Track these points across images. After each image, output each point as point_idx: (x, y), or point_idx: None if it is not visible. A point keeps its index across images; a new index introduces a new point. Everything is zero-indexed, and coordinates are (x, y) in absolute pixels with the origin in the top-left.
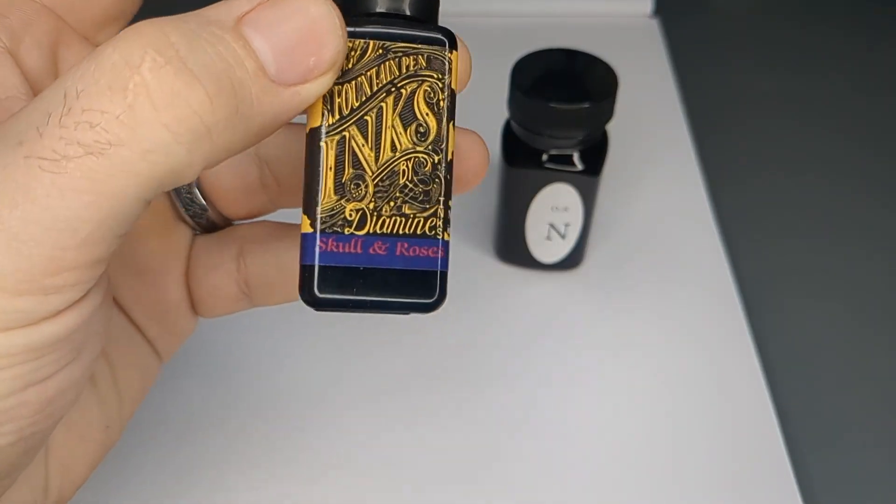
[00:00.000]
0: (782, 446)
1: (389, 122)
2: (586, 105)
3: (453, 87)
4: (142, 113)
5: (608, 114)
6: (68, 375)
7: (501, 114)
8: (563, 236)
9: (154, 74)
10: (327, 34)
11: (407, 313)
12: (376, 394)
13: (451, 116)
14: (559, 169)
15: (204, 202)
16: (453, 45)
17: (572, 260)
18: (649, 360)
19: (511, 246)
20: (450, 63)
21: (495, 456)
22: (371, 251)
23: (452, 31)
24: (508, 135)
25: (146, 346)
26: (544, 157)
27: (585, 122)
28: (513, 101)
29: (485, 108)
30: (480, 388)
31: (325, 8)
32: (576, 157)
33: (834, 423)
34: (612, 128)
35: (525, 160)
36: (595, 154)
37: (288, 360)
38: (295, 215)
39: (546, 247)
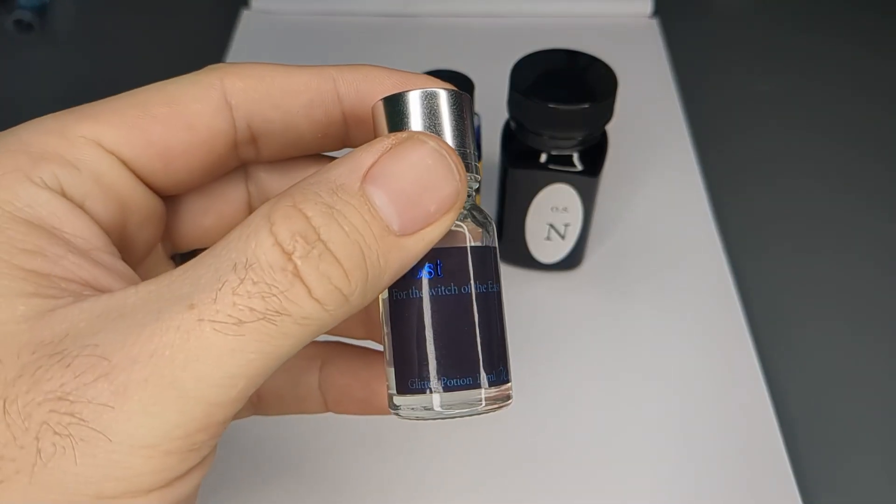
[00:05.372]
0: (782, 445)
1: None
2: (586, 106)
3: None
4: (299, 291)
5: (608, 114)
6: None
7: (501, 114)
8: (562, 236)
9: (304, 261)
10: (445, 181)
11: None
12: None
13: (478, 190)
14: (559, 169)
15: None
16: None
17: (572, 260)
18: (649, 359)
19: (511, 246)
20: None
21: (495, 455)
22: None
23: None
24: (508, 135)
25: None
26: (544, 157)
27: (585, 122)
28: (512, 102)
29: (485, 109)
30: None
31: (441, 156)
32: (575, 158)
33: (834, 422)
34: (611, 128)
35: (525, 161)
36: (594, 154)
37: None
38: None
39: (546, 247)
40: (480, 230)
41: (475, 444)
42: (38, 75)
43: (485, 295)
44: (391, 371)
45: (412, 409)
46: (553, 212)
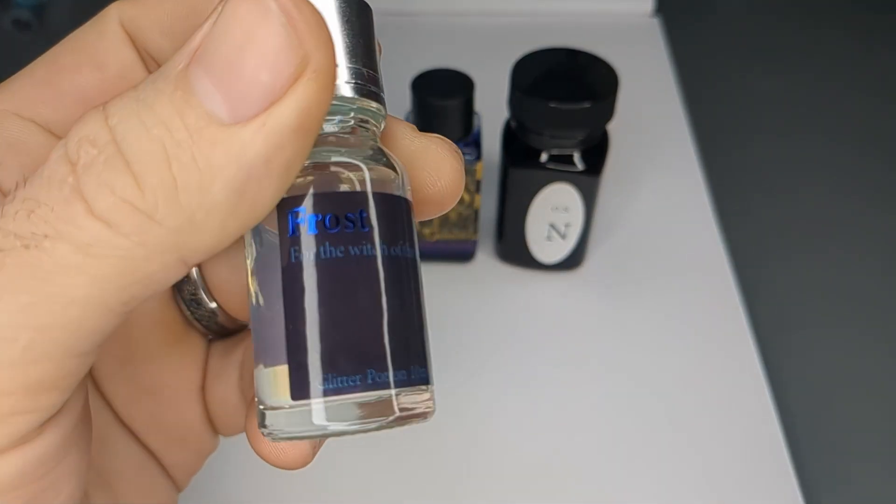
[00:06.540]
0: (784, 445)
1: None
2: (587, 105)
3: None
4: (76, 208)
5: (609, 113)
6: None
7: (502, 113)
8: (563, 236)
9: (85, 168)
10: (276, 36)
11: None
12: None
13: (478, 190)
14: (560, 169)
15: (211, 305)
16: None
17: (573, 260)
18: (650, 359)
19: (511, 246)
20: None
21: (496, 454)
22: (439, 245)
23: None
24: (509, 134)
25: (162, 475)
26: (544, 156)
27: (586, 121)
28: (513, 101)
29: (485, 108)
30: (481, 387)
31: (267, 4)
32: (576, 157)
33: (836, 423)
34: (612, 127)
35: (525, 160)
36: (596, 154)
37: None
38: None
39: (547, 247)
40: (390, 175)
41: (471, 443)
42: None
43: (395, 260)
44: (259, 373)
45: (285, 423)
46: (554, 211)
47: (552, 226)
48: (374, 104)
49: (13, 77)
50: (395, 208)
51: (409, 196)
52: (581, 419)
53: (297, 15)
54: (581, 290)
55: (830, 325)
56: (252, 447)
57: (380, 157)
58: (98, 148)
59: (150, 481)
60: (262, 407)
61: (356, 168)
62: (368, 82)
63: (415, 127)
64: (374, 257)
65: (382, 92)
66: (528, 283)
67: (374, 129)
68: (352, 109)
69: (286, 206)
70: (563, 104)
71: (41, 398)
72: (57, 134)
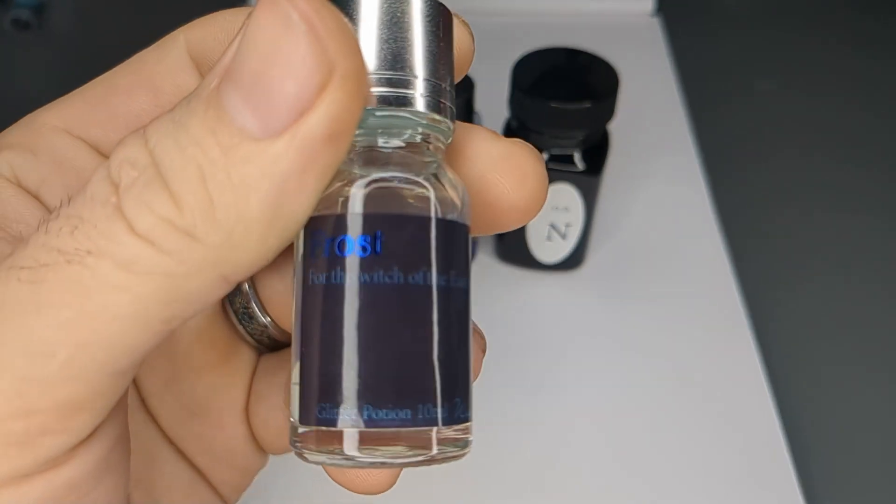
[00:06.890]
0: (785, 447)
1: None
2: (587, 104)
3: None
4: (118, 226)
5: (609, 113)
6: None
7: (502, 113)
8: (563, 236)
9: (126, 189)
10: (297, 46)
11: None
12: None
13: None
14: (560, 168)
15: (264, 318)
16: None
17: (573, 260)
18: (650, 359)
19: (511, 246)
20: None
21: (495, 455)
22: None
23: None
24: (509, 134)
25: (210, 493)
26: (545, 156)
27: (586, 121)
28: (513, 100)
29: (485, 107)
30: (480, 386)
31: (287, 14)
32: (577, 157)
33: (837, 425)
34: (613, 127)
35: None
36: (596, 153)
37: None
38: None
39: (547, 247)
40: (453, 198)
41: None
42: (35, 74)
43: (448, 291)
44: (296, 389)
45: (315, 446)
46: (554, 211)
47: (552, 226)
48: (441, 118)
49: (69, 94)
50: (456, 235)
51: (468, 222)
52: (580, 419)
53: (318, 22)
54: (581, 290)
55: (832, 325)
56: (328, 474)
57: (442, 177)
58: (138, 170)
59: (198, 499)
60: (292, 419)
61: (422, 187)
62: (441, 96)
63: (495, 131)
64: (429, 287)
65: (454, 106)
66: (528, 283)
67: (440, 145)
68: (420, 125)
69: (310, 226)
70: (564, 104)
71: (73, 418)
72: (105, 154)
